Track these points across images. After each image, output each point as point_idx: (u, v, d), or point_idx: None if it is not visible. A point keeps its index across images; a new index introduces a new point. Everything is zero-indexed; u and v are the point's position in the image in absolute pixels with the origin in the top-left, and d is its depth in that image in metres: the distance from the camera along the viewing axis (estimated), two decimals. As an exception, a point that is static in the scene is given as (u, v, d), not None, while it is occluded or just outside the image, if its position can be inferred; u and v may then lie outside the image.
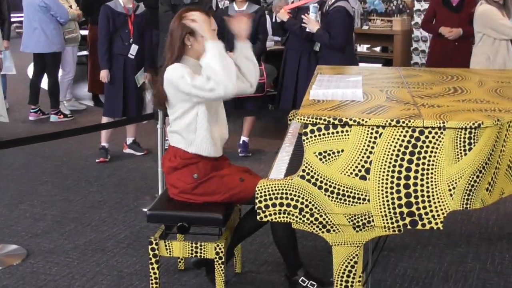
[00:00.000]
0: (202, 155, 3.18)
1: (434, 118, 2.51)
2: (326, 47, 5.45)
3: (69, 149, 6.20)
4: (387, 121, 2.49)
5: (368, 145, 2.52)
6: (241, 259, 3.75)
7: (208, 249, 3.15)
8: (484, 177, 2.55)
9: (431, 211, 2.54)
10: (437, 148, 2.49)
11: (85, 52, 8.86)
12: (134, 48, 5.63)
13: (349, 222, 2.61)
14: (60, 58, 7.25)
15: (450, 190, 2.51)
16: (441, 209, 2.53)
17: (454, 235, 4.24)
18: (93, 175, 5.50)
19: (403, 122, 2.49)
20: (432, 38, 6.48)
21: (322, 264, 3.80)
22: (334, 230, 2.67)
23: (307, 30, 5.54)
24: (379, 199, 2.55)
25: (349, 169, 2.55)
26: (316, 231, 2.67)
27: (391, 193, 2.54)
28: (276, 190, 2.63)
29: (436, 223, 2.55)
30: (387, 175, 2.53)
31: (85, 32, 8.26)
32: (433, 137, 2.48)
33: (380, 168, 2.53)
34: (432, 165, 2.50)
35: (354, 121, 2.51)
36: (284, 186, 2.62)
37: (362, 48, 9.01)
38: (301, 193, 2.60)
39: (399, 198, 2.54)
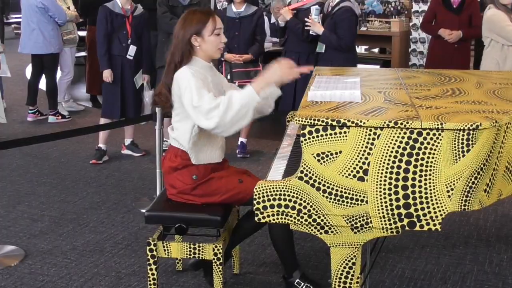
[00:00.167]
0: (202, 162, 3.19)
1: (432, 120, 2.51)
2: (333, 48, 5.43)
3: (67, 150, 6.20)
4: (385, 122, 2.50)
5: (366, 147, 2.52)
6: (239, 260, 3.75)
7: (206, 250, 3.15)
8: (482, 179, 2.55)
9: (429, 212, 2.54)
10: (435, 150, 2.49)
11: (83, 53, 8.86)
12: (132, 49, 5.63)
13: (347, 223, 2.61)
14: (58, 59, 7.25)
15: (448, 191, 2.52)
16: (439, 211, 2.54)
17: (452, 236, 4.24)
18: (91, 176, 5.50)
19: (401, 124, 2.49)
20: (432, 40, 6.47)
21: (320, 266, 3.80)
22: (332, 232, 2.67)
23: (311, 32, 5.52)
24: (377, 200, 2.55)
25: (347, 171, 2.55)
26: (314, 232, 2.67)
27: (389, 195, 2.54)
28: (274, 191, 2.63)
29: (434, 225, 2.56)
30: (385, 176, 2.53)
31: (83, 33, 8.26)
32: (431, 139, 2.48)
33: (378, 170, 2.53)
34: (430, 166, 2.50)
35: (352, 122, 2.51)
36: (282, 187, 2.62)
37: (360, 49, 9.01)
38: (299, 194, 2.60)
39: (397, 200, 2.54)
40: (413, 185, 2.53)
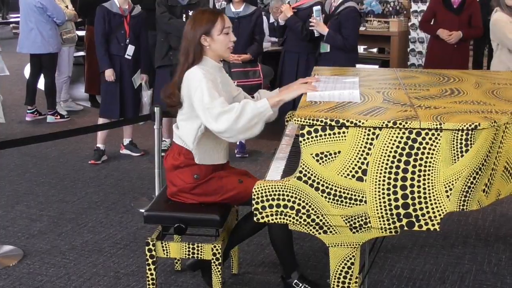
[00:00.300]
0: (205, 163, 3.19)
1: (431, 120, 2.51)
2: (337, 48, 5.44)
3: (66, 150, 6.19)
4: (384, 122, 2.50)
5: (365, 147, 2.52)
6: (238, 260, 3.75)
7: (205, 250, 3.15)
8: (481, 179, 2.55)
9: (428, 212, 2.54)
10: (434, 150, 2.49)
11: (82, 53, 8.86)
12: (130, 49, 5.63)
13: (346, 223, 2.61)
14: (56, 59, 7.24)
15: (447, 191, 2.52)
16: (438, 211, 2.54)
17: (451, 236, 4.24)
18: (89, 176, 5.49)
19: (400, 124, 2.49)
20: (430, 39, 6.46)
21: (319, 265, 3.80)
22: (331, 232, 2.67)
23: (316, 34, 5.51)
24: (376, 200, 2.55)
25: (346, 171, 2.55)
26: (313, 232, 2.67)
27: (388, 195, 2.55)
28: (273, 191, 2.63)
29: (433, 225, 2.56)
30: (384, 176, 2.53)
31: (82, 33, 8.25)
32: (430, 139, 2.49)
33: (377, 170, 2.53)
34: (429, 166, 2.51)
35: (351, 122, 2.51)
36: (281, 188, 2.62)
37: (359, 49, 9.01)
38: (298, 195, 2.60)
39: (396, 200, 2.54)
40: (412, 185, 2.53)
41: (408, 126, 2.49)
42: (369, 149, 2.52)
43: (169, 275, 3.71)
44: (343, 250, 2.70)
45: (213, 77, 3.08)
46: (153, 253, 3.16)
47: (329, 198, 2.58)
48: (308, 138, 2.55)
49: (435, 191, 2.52)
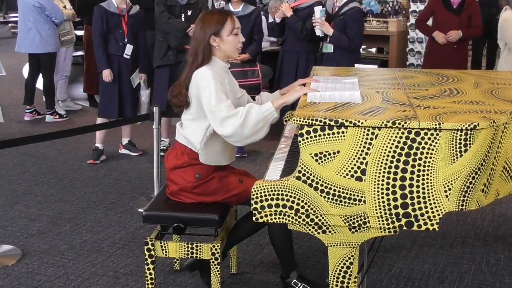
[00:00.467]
0: (211, 164, 3.19)
1: (430, 120, 2.51)
2: (342, 49, 5.44)
3: (65, 150, 6.19)
4: (383, 122, 2.50)
5: (364, 146, 2.53)
6: (237, 259, 3.74)
7: (204, 249, 3.15)
8: (480, 179, 2.55)
9: (427, 212, 2.54)
10: (433, 150, 2.49)
11: (80, 53, 8.85)
12: (129, 48, 5.62)
13: (345, 223, 2.61)
14: (55, 58, 7.23)
15: (446, 191, 2.52)
16: (437, 210, 2.54)
17: (450, 236, 4.25)
18: (88, 175, 5.49)
19: (399, 124, 2.49)
20: (429, 39, 6.46)
21: (318, 265, 3.80)
22: (330, 231, 2.67)
23: (319, 34, 5.51)
24: (375, 200, 2.55)
25: (345, 170, 2.55)
26: (312, 232, 2.68)
27: (387, 194, 2.55)
28: (272, 191, 2.63)
29: (432, 224, 2.56)
30: (383, 176, 2.53)
31: (80, 33, 8.25)
32: (429, 139, 2.49)
33: (376, 169, 2.53)
34: (428, 166, 2.51)
35: (350, 122, 2.51)
36: (280, 187, 2.62)
37: (358, 49, 9.02)
38: (297, 194, 2.61)
39: (395, 199, 2.55)
40: (411, 185, 2.53)
41: (407, 126, 2.49)
42: (368, 149, 2.52)
43: (168, 274, 3.71)
44: (342, 250, 2.70)
45: (221, 78, 3.09)
46: (152, 252, 3.16)
47: (328, 198, 2.58)
48: (307, 138, 2.55)
49: (434, 191, 2.52)
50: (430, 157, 2.50)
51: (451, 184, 2.51)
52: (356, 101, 2.82)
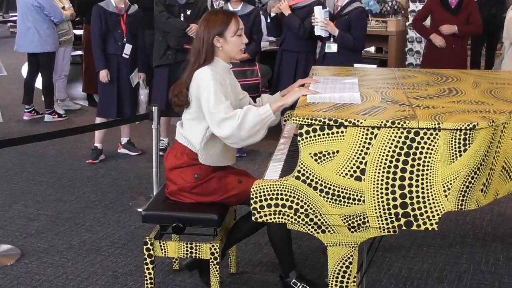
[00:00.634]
0: (211, 164, 3.19)
1: (429, 119, 2.51)
2: (347, 48, 5.46)
3: (64, 149, 6.19)
4: (382, 122, 2.50)
5: (364, 146, 2.52)
6: (236, 259, 3.74)
7: (203, 249, 3.15)
8: (479, 178, 2.55)
9: (426, 212, 2.54)
10: (432, 149, 2.49)
11: (79, 52, 8.85)
12: (128, 48, 5.62)
13: (344, 223, 2.61)
14: (54, 58, 7.22)
15: (445, 191, 2.52)
16: (436, 210, 2.54)
17: (449, 235, 4.25)
18: (87, 175, 5.49)
19: (398, 123, 2.49)
20: (428, 40, 6.46)
21: (317, 265, 3.80)
22: (329, 231, 2.67)
23: (321, 34, 5.51)
24: (374, 200, 2.55)
25: (344, 170, 2.55)
26: (311, 231, 2.67)
27: (386, 194, 2.55)
28: (271, 190, 2.63)
29: (431, 224, 2.56)
30: (382, 176, 2.53)
31: (80, 32, 8.24)
32: (428, 138, 2.49)
33: (375, 169, 2.53)
34: (427, 166, 2.51)
35: (350, 122, 2.51)
36: (279, 187, 2.62)
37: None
38: (296, 194, 2.60)
39: (394, 199, 2.55)
40: (410, 185, 2.53)
41: (406, 125, 2.49)
42: (368, 148, 2.52)
43: (167, 274, 3.71)
44: (341, 250, 2.70)
45: (222, 79, 3.09)
46: (151, 252, 3.16)
47: (328, 198, 2.58)
48: (306, 138, 2.55)
49: (434, 190, 2.52)
50: (430, 157, 2.50)
51: (450, 183, 2.51)
52: (355, 102, 2.81)
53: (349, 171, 2.55)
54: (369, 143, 2.52)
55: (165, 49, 5.78)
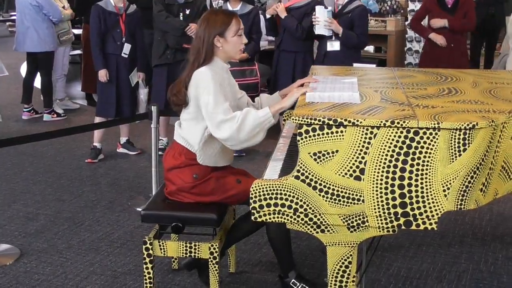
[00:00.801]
0: (209, 165, 3.19)
1: (429, 119, 2.51)
2: (350, 47, 5.49)
3: (63, 149, 6.18)
4: (381, 121, 2.50)
5: (363, 146, 2.52)
6: (235, 259, 3.74)
7: (202, 249, 3.15)
8: (479, 178, 2.55)
9: (426, 211, 2.54)
10: (431, 149, 2.49)
11: (78, 51, 8.84)
12: (127, 47, 5.62)
13: (343, 222, 2.61)
14: (53, 57, 7.22)
15: (444, 190, 2.52)
16: (436, 210, 2.54)
17: (448, 235, 4.25)
18: (86, 174, 5.48)
19: (398, 123, 2.49)
20: (427, 39, 6.46)
21: (316, 265, 3.80)
22: (328, 231, 2.67)
23: (324, 33, 5.51)
24: (373, 199, 2.55)
25: (343, 170, 2.55)
26: (311, 231, 2.67)
27: (386, 194, 2.55)
28: (270, 190, 2.63)
29: (431, 224, 2.56)
30: (382, 175, 2.53)
31: (79, 31, 8.23)
32: (428, 138, 2.49)
33: (375, 169, 2.53)
34: (427, 165, 2.51)
35: (349, 121, 2.51)
36: (279, 186, 2.62)
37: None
38: (296, 194, 2.60)
39: (394, 199, 2.54)
40: (410, 184, 2.53)
41: (406, 125, 2.49)
42: (367, 148, 2.52)
43: (166, 274, 3.71)
44: (340, 249, 2.70)
45: (221, 79, 3.09)
46: (150, 252, 3.16)
47: (327, 197, 2.58)
48: (306, 137, 2.55)
49: (433, 190, 2.52)
50: (429, 157, 2.50)
51: (450, 183, 2.51)
52: (355, 102, 2.81)
53: (348, 170, 2.55)
54: (369, 143, 2.52)
55: (164, 49, 5.78)
